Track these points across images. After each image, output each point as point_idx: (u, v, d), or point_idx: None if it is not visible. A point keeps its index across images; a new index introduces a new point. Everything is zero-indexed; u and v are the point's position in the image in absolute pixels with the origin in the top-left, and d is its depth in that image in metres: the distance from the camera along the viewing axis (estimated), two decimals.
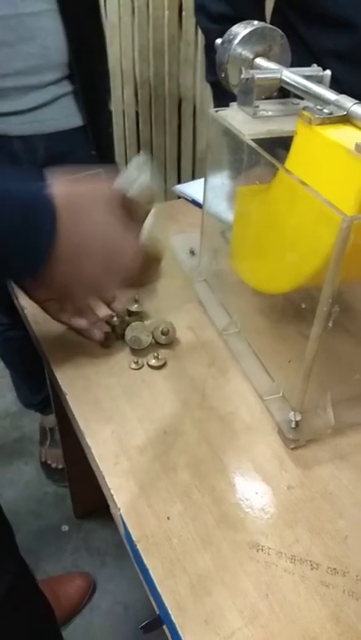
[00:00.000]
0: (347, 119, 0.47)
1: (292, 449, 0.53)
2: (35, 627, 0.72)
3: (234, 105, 0.60)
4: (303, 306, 0.48)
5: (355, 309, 0.56)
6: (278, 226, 0.52)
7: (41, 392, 1.37)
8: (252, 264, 0.61)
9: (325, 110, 0.47)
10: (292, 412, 0.52)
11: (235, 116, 0.57)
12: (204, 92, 1.64)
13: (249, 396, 0.59)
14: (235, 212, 0.63)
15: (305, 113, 0.47)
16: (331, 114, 0.46)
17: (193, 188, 0.98)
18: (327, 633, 0.40)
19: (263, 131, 0.53)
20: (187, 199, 0.98)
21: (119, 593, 1.27)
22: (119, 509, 0.48)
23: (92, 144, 1.01)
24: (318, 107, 0.47)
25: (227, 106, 0.61)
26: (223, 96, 0.94)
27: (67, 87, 0.95)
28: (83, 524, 1.39)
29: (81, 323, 0.60)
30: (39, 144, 0.95)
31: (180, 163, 1.90)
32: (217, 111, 0.59)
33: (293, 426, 0.52)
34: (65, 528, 1.38)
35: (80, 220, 0.38)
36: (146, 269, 0.41)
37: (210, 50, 0.91)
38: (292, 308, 0.61)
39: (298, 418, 0.52)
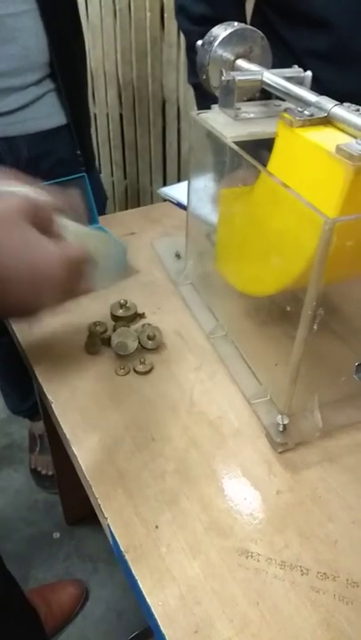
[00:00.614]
0: (328, 121, 0.47)
1: (280, 452, 0.53)
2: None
3: (215, 107, 0.60)
4: (288, 308, 0.48)
5: (341, 311, 0.56)
6: (262, 228, 0.52)
7: (29, 398, 1.36)
8: (237, 267, 0.61)
9: (306, 112, 0.46)
10: (280, 416, 0.52)
11: (216, 119, 0.57)
12: (188, 94, 1.64)
13: (237, 399, 0.59)
14: (219, 214, 0.63)
15: (286, 115, 0.46)
16: (312, 115, 0.46)
17: (178, 191, 0.97)
18: (318, 639, 0.39)
19: (245, 133, 0.53)
20: (172, 202, 0.97)
21: (112, 600, 1.26)
22: (107, 519, 0.47)
23: (75, 143, 1.01)
24: (299, 109, 0.47)
25: (209, 107, 0.61)
26: (206, 98, 0.94)
27: (48, 86, 0.94)
28: (74, 531, 1.38)
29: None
30: (22, 144, 0.95)
31: (166, 165, 1.89)
32: (198, 114, 0.59)
33: (281, 429, 0.52)
34: (56, 535, 1.36)
35: None
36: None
37: (191, 51, 0.91)
38: (277, 311, 0.61)
39: (285, 421, 0.51)
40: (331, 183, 0.42)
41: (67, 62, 0.93)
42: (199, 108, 0.87)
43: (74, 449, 0.53)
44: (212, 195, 0.66)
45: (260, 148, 0.53)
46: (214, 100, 0.60)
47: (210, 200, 0.67)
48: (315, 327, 0.45)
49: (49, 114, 0.96)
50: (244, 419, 0.57)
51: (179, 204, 0.96)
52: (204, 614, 0.41)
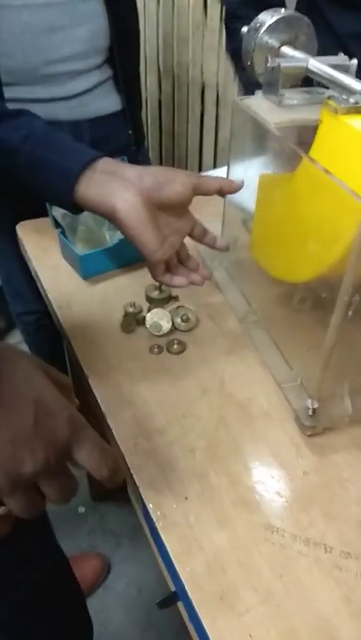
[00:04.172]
0: None
1: (308, 436, 0.54)
2: (69, 604, 0.75)
3: (259, 93, 0.60)
4: (323, 295, 0.49)
5: None
6: (301, 215, 0.53)
7: None
8: (273, 253, 0.62)
9: (351, 100, 0.47)
10: (310, 400, 0.53)
11: (260, 104, 0.58)
12: (228, 80, 1.63)
13: (267, 383, 0.60)
14: (257, 200, 0.63)
15: (331, 102, 0.47)
16: (357, 103, 0.47)
17: None
18: (340, 614, 0.41)
19: (288, 119, 0.53)
20: None
21: (133, 575, 1.29)
22: (138, 488, 0.49)
23: (129, 126, 1.04)
24: (344, 96, 0.47)
25: (249, 80, 0.61)
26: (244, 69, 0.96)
27: (108, 71, 0.98)
28: (98, 507, 1.42)
29: (181, 281, 0.59)
30: (85, 129, 0.98)
31: (202, 151, 1.89)
32: (242, 99, 0.59)
33: (311, 413, 0.53)
34: (81, 510, 1.41)
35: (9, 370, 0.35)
36: (78, 441, 0.37)
37: (229, 20, 0.94)
38: (311, 298, 0.62)
39: (315, 405, 0.52)
40: None
41: (125, 46, 0.97)
42: (240, 79, 0.88)
43: (109, 422, 0.56)
44: (251, 181, 0.67)
45: (303, 135, 0.53)
46: (257, 85, 0.61)
47: (248, 186, 0.68)
48: (349, 314, 0.46)
49: (108, 99, 1.00)
50: (273, 402, 0.58)
51: None
52: (230, 582, 0.43)
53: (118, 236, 0.77)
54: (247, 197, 0.69)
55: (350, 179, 0.44)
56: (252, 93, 0.61)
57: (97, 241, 0.77)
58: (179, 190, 0.52)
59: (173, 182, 0.52)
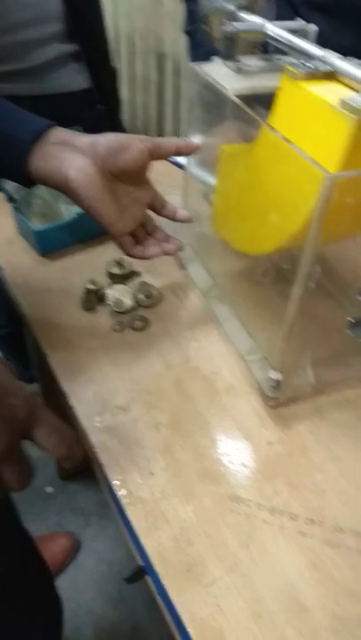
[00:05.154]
0: (332, 75, 0.46)
1: (271, 407, 0.54)
2: (36, 587, 0.75)
3: (216, 59, 0.58)
4: (285, 266, 0.49)
5: (335, 270, 0.57)
6: (261, 185, 0.52)
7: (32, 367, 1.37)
8: (235, 226, 0.61)
9: (311, 65, 0.46)
10: (273, 372, 0.53)
11: (217, 71, 0.56)
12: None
13: (231, 357, 0.60)
14: (218, 172, 0.62)
15: (290, 68, 0.46)
16: (316, 69, 0.46)
17: None
18: (305, 579, 0.42)
19: (247, 86, 0.52)
20: (170, 161, 0.96)
21: (103, 551, 1.30)
22: (103, 465, 0.49)
23: (97, 105, 1.01)
24: (303, 62, 0.46)
25: (202, 58, 0.59)
26: (198, 48, 0.93)
27: (70, 47, 0.94)
28: (67, 486, 1.42)
29: (155, 251, 0.58)
30: (46, 105, 0.94)
31: (162, 123, 1.85)
32: (199, 65, 0.57)
33: (274, 385, 0.53)
34: (50, 490, 1.40)
35: None
36: (36, 420, 0.37)
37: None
38: (273, 270, 0.61)
39: (278, 377, 0.53)
40: (333, 138, 0.42)
41: (81, 16, 0.92)
42: (191, 60, 0.86)
43: (70, 400, 0.54)
44: (211, 152, 0.65)
45: (262, 103, 0.52)
46: (208, 52, 0.59)
47: (209, 158, 0.67)
48: (311, 285, 0.46)
49: (72, 76, 0.96)
50: (237, 375, 0.58)
51: (176, 164, 0.94)
52: (196, 555, 0.43)
53: (76, 209, 0.74)
54: (208, 169, 0.67)
55: (310, 146, 0.43)
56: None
57: (53, 215, 0.75)
58: (134, 156, 0.50)
59: (128, 148, 0.50)
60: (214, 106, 0.57)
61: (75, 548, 1.28)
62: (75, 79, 0.97)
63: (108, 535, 1.32)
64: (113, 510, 0.49)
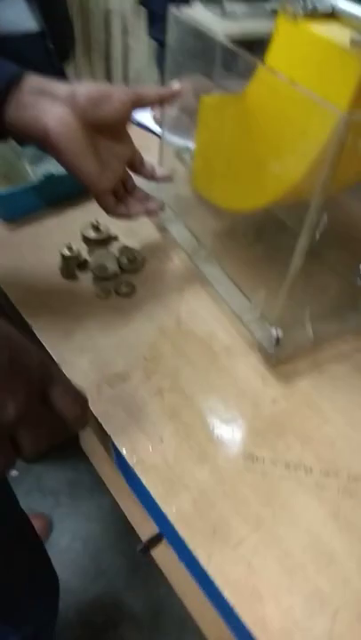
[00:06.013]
0: (331, 16, 0.44)
1: (272, 365, 0.54)
2: (38, 556, 0.73)
3: (197, 3, 0.55)
4: (287, 222, 0.47)
5: (337, 220, 0.56)
6: (255, 135, 0.50)
7: None
8: (221, 182, 0.59)
9: (309, 5, 0.44)
10: (274, 329, 0.52)
11: (201, 16, 0.53)
12: (137, 6, 1.51)
13: (224, 318, 0.58)
14: (199, 125, 0.59)
15: (289, 8, 0.44)
16: (315, 9, 0.44)
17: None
18: (329, 529, 0.42)
19: (238, 30, 0.49)
20: (139, 125, 0.91)
21: (77, 529, 1.28)
22: (110, 436, 0.46)
23: (51, 51, 0.94)
24: (301, 1, 0.44)
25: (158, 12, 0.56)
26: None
27: None
28: (33, 468, 1.37)
29: (138, 209, 0.55)
30: None
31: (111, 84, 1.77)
32: (180, 9, 0.54)
33: (274, 342, 0.52)
34: (15, 473, 1.35)
35: None
36: (51, 380, 0.35)
37: None
38: (265, 227, 0.60)
39: (280, 333, 0.52)
40: (341, 79, 0.40)
41: None
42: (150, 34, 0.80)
43: (65, 371, 0.51)
44: (190, 107, 0.62)
45: (251, 50, 0.50)
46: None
47: (188, 113, 0.64)
48: (317, 235, 0.45)
49: (19, 15, 0.88)
50: (233, 336, 0.57)
51: (139, 125, 0.90)
52: (219, 517, 0.42)
53: (43, 170, 0.69)
54: (185, 125, 0.64)
55: (313, 88, 0.41)
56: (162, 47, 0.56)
57: (18, 177, 0.70)
58: (116, 107, 0.47)
59: (110, 99, 0.47)
60: (198, 54, 0.54)
61: (48, 530, 1.25)
62: (22, 19, 0.90)
63: (81, 513, 1.30)
64: (124, 482, 0.47)
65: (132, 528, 0.89)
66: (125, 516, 0.98)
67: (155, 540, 0.46)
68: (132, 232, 0.68)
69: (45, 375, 0.35)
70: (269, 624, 0.37)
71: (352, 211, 0.68)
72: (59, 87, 0.46)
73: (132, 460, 0.45)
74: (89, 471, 1.36)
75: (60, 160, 0.47)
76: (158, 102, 0.51)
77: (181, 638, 1.13)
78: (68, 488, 1.35)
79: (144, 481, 0.43)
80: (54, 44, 0.94)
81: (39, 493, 1.33)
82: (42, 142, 0.46)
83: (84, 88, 0.46)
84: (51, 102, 0.45)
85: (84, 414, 0.37)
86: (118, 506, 1.07)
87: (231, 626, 0.40)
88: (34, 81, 0.46)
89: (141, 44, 1.56)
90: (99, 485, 1.34)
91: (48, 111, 0.44)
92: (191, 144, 0.69)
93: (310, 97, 0.40)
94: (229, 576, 0.39)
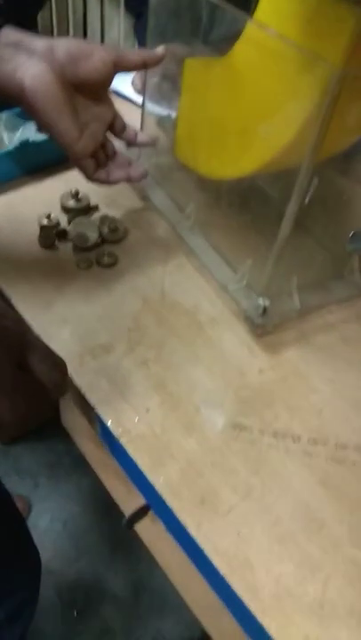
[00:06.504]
0: None
1: (258, 335, 0.53)
2: (20, 532, 0.73)
3: None
4: (272, 193, 0.46)
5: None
6: (243, 97, 0.48)
7: None
8: (207, 149, 0.57)
9: None
10: (261, 298, 0.51)
11: None
12: None
13: (209, 289, 0.57)
14: (183, 91, 0.57)
15: None
16: None
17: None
18: (318, 497, 0.41)
19: None
20: (118, 94, 0.88)
21: (56, 510, 1.27)
22: (94, 408, 0.45)
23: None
24: None
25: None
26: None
27: None
28: (9, 451, 1.35)
29: (120, 175, 0.52)
30: None
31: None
32: None
33: (261, 312, 0.51)
34: None
35: None
36: (29, 345, 0.34)
37: None
38: (250, 198, 0.59)
39: (267, 303, 0.51)
40: (333, 34, 0.39)
41: None
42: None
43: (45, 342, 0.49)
44: (171, 73, 0.60)
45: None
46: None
47: (169, 79, 0.62)
48: (306, 200, 0.44)
49: None
50: (218, 307, 0.56)
51: (116, 93, 0.87)
52: (208, 485, 0.41)
53: (19, 135, 0.66)
54: (168, 91, 0.62)
55: (306, 45, 0.40)
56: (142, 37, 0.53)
57: None
58: (97, 66, 0.45)
59: (91, 57, 0.44)
60: (183, 13, 0.52)
61: (27, 511, 1.24)
62: None
63: (60, 494, 1.29)
64: (109, 453, 0.46)
65: (112, 508, 0.88)
66: (105, 497, 0.97)
67: (140, 514, 0.45)
68: (113, 202, 0.66)
69: (23, 340, 0.33)
70: (260, 591, 0.36)
71: (336, 183, 0.67)
72: (36, 41, 0.44)
73: (117, 431, 0.43)
74: (67, 453, 1.35)
75: (37, 119, 0.44)
76: (141, 66, 0.49)
77: (163, 617, 1.13)
78: (47, 470, 1.33)
79: (130, 452, 0.42)
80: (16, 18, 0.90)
81: (17, 476, 1.31)
82: (17, 99, 0.43)
83: (63, 43, 0.44)
84: (27, 57, 0.42)
85: (63, 380, 0.36)
86: (98, 486, 1.06)
87: (221, 595, 0.40)
88: (10, 34, 0.43)
89: (118, 18, 1.51)
90: (78, 467, 1.32)
91: (25, 67, 0.42)
92: (172, 112, 0.67)
93: (302, 52, 0.39)
94: (219, 545, 0.38)
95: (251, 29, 0.45)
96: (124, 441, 0.43)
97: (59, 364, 0.36)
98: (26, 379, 0.34)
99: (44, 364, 0.34)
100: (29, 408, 0.34)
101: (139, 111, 0.66)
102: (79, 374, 0.47)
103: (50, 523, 1.25)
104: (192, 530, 0.38)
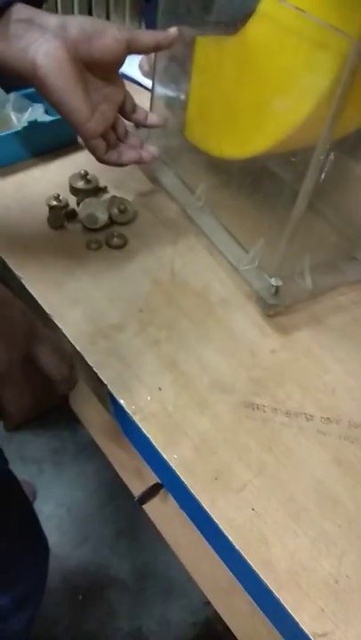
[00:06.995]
0: None
1: (270, 316, 0.53)
2: (28, 515, 0.73)
3: None
4: (293, 159, 0.46)
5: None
6: (256, 75, 0.48)
7: None
8: (218, 129, 0.56)
9: None
10: (273, 278, 0.51)
11: None
12: None
13: (219, 270, 0.57)
14: (194, 70, 0.57)
15: None
16: None
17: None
18: (332, 475, 0.41)
19: None
20: (127, 78, 0.87)
21: (60, 496, 1.27)
22: (106, 386, 0.45)
23: None
24: None
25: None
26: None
27: None
28: (13, 437, 1.36)
29: (131, 156, 0.51)
30: None
31: None
32: None
33: (273, 292, 0.51)
34: None
35: None
36: (36, 338, 0.33)
37: None
38: (261, 180, 0.58)
39: (279, 283, 0.51)
40: (352, 7, 0.38)
41: None
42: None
43: (57, 322, 0.49)
44: (180, 55, 0.59)
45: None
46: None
47: (178, 62, 0.61)
48: (322, 177, 0.43)
49: None
50: (229, 287, 0.55)
51: (126, 77, 0.86)
52: (221, 462, 0.41)
53: (27, 116, 0.66)
54: (177, 71, 0.62)
55: (323, 18, 0.39)
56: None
57: (3, 125, 0.66)
58: (110, 45, 0.44)
59: (104, 35, 0.44)
60: None
61: (32, 497, 1.24)
62: None
63: (64, 480, 1.29)
64: (121, 432, 0.46)
65: (117, 493, 0.88)
66: (109, 482, 0.98)
67: (152, 492, 0.45)
68: (122, 184, 0.66)
69: (30, 331, 0.33)
70: (276, 566, 0.36)
71: (349, 164, 0.66)
72: (49, 18, 0.43)
73: (130, 409, 0.43)
74: (72, 439, 1.35)
75: (48, 97, 0.44)
76: (154, 48, 0.48)
77: (168, 602, 1.14)
78: (51, 456, 1.34)
79: (144, 429, 0.42)
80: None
81: (21, 462, 1.32)
82: (29, 76, 0.43)
83: (76, 21, 0.43)
84: (40, 33, 0.42)
85: (71, 375, 0.35)
86: (102, 472, 1.06)
87: (235, 571, 0.40)
88: (22, 11, 0.43)
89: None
90: (82, 453, 1.33)
91: (37, 43, 0.41)
92: (181, 95, 0.66)
93: (320, 26, 0.38)
94: (234, 520, 0.38)
95: (265, 4, 0.44)
96: (137, 419, 0.43)
97: (67, 359, 0.35)
98: (32, 368, 0.34)
99: (53, 358, 0.34)
100: (35, 397, 0.34)
101: (145, 94, 0.65)
102: (91, 354, 0.47)
103: (55, 508, 1.25)
104: (206, 505, 0.38)
